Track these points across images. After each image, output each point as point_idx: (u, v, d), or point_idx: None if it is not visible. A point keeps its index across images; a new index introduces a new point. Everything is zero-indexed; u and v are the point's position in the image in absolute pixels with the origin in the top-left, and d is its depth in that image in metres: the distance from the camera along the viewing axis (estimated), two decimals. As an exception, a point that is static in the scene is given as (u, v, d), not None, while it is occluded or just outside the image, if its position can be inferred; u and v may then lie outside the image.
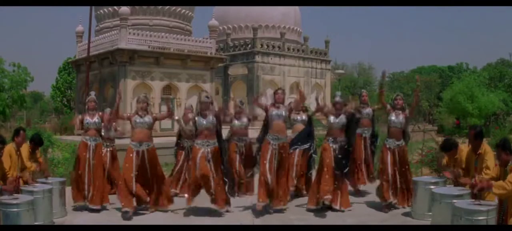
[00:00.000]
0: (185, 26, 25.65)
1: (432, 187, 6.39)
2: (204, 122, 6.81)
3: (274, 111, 7.06)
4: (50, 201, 6.27)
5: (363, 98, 8.62)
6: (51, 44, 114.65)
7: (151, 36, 22.67)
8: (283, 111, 7.10)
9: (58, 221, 6.52)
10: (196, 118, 6.89)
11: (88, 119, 7.30)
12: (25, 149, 6.80)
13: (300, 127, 8.46)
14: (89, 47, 19.36)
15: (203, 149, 6.75)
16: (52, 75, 56.89)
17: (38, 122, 29.42)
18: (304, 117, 8.69)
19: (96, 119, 7.32)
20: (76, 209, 7.26)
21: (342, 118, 7.18)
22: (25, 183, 6.35)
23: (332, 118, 7.23)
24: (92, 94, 7.61)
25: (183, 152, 8.56)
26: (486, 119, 33.11)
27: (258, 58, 29.92)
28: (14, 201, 5.39)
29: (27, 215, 5.42)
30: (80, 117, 7.53)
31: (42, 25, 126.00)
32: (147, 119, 7.03)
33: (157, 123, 8.51)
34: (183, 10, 25.27)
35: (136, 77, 22.33)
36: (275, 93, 7.31)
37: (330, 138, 7.19)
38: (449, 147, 6.49)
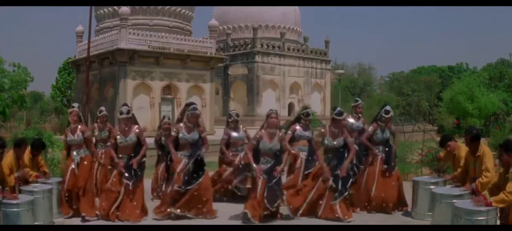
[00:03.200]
0: (185, 26, 25.67)
1: (432, 187, 6.39)
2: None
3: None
4: (50, 201, 6.27)
5: (359, 109, 7.95)
6: (51, 44, 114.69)
7: (151, 36, 22.69)
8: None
9: (58, 221, 6.52)
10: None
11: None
12: (26, 155, 6.68)
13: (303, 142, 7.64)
14: (89, 47, 19.35)
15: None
16: (52, 75, 56.86)
17: (38, 122, 29.41)
18: (306, 133, 7.68)
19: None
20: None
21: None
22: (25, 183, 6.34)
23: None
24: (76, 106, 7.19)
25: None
26: (486, 119, 33.11)
27: (258, 58, 29.94)
28: (14, 201, 5.38)
29: (27, 215, 5.42)
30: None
31: (42, 25, 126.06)
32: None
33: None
34: (183, 10, 25.29)
35: (136, 77, 22.34)
36: (268, 116, 6.67)
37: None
38: (444, 142, 6.63)
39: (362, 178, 7.27)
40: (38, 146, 6.93)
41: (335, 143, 6.78)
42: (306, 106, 8.18)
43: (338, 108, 7.00)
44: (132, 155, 6.74)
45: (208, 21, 25.08)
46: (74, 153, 6.95)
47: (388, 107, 7.35)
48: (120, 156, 6.74)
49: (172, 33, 23.80)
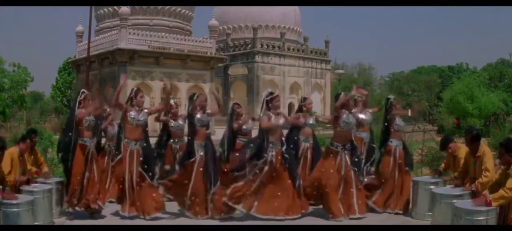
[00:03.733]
0: (185, 26, 25.68)
1: (432, 187, 6.39)
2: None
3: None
4: (50, 201, 6.26)
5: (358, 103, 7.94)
6: (51, 44, 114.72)
7: (151, 36, 22.70)
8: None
9: (58, 221, 6.52)
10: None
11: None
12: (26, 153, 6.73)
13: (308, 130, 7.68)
14: (89, 47, 19.37)
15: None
16: (52, 75, 56.93)
17: (38, 122, 29.41)
18: (311, 120, 7.74)
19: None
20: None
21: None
22: (25, 183, 6.35)
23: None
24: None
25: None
26: (486, 119, 33.12)
27: (258, 58, 29.94)
28: (14, 201, 5.38)
29: (27, 215, 5.41)
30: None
31: (42, 25, 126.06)
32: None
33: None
34: (183, 10, 25.30)
35: (136, 77, 22.35)
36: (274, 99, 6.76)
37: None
38: (445, 144, 6.57)
39: (387, 176, 7.11)
40: (32, 131, 6.94)
41: (352, 120, 6.79)
42: (305, 97, 8.13)
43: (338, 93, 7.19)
44: (142, 140, 6.68)
45: (208, 21, 25.09)
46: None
47: (390, 96, 7.46)
48: (126, 140, 6.63)
49: (172, 33, 23.81)
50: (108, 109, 8.11)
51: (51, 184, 6.57)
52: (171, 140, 8.06)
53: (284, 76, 31.22)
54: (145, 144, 6.71)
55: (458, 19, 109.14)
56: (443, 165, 6.88)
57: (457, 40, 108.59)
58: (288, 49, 31.60)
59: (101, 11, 25.05)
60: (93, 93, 7.31)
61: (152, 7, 24.24)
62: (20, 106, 25.00)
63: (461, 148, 6.38)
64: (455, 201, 5.25)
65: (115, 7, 23.81)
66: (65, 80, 36.20)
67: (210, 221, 6.60)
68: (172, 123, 8.02)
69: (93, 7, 19.31)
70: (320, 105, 32.86)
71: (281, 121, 6.67)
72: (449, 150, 6.49)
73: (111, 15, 24.62)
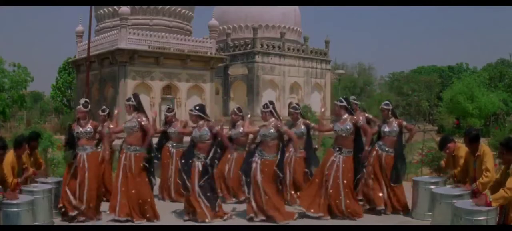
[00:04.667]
0: (185, 26, 25.68)
1: (432, 187, 6.40)
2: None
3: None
4: (50, 201, 6.27)
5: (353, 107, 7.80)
6: (51, 44, 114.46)
7: (151, 36, 22.69)
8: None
9: (58, 221, 6.52)
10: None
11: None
12: (25, 154, 6.70)
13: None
14: (89, 47, 19.37)
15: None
16: (52, 75, 56.88)
17: (38, 122, 29.39)
18: (300, 129, 7.86)
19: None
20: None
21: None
22: (24, 183, 6.34)
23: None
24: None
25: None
26: (486, 119, 33.12)
27: (258, 58, 29.90)
28: (14, 201, 5.39)
29: (27, 215, 5.42)
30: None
31: (42, 25, 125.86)
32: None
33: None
34: (183, 10, 25.29)
35: (136, 77, 22.35)
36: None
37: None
38: (443, 144, 6.53)
39: (369, 179, 7.09)
40: (34, 137, 6.89)
41: (342, 127, 6.75)
42: (294, 105, 8.19)
43: (340, 98, 7.11)
44: (136, 145, 6.70)
45: (208, 21, 25.09)
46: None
47: (386, 101, 7.41)
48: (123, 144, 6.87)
49: (172, 33, 23.81)
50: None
51: (51, 184, 6.58)
52: (170, 144, 8.42)
53: (284, 76, 31.20)
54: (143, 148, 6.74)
55: (458, 19, 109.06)
56: (443, 163, 6.91)
57: (457, 40, 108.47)
58: (288, 49, 31.58)
59: (101, 11, 25.05)
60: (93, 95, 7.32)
61: (152, 7, 24.24)
62: (20, 106, 25.00)
63: (461, 148, 6.37)
64: (455, 201, 5.25)
65: (115, 7, 23.80)
66: (65, 80, 36.15)
67: (211, 222, 6.60)
68: (172, 129, 8.40)
69: (93, 7, 19.32)
70: (320, 105, 32.84)
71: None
72: (447, 151, 6.48)
73: (111, 15, 24.62)
